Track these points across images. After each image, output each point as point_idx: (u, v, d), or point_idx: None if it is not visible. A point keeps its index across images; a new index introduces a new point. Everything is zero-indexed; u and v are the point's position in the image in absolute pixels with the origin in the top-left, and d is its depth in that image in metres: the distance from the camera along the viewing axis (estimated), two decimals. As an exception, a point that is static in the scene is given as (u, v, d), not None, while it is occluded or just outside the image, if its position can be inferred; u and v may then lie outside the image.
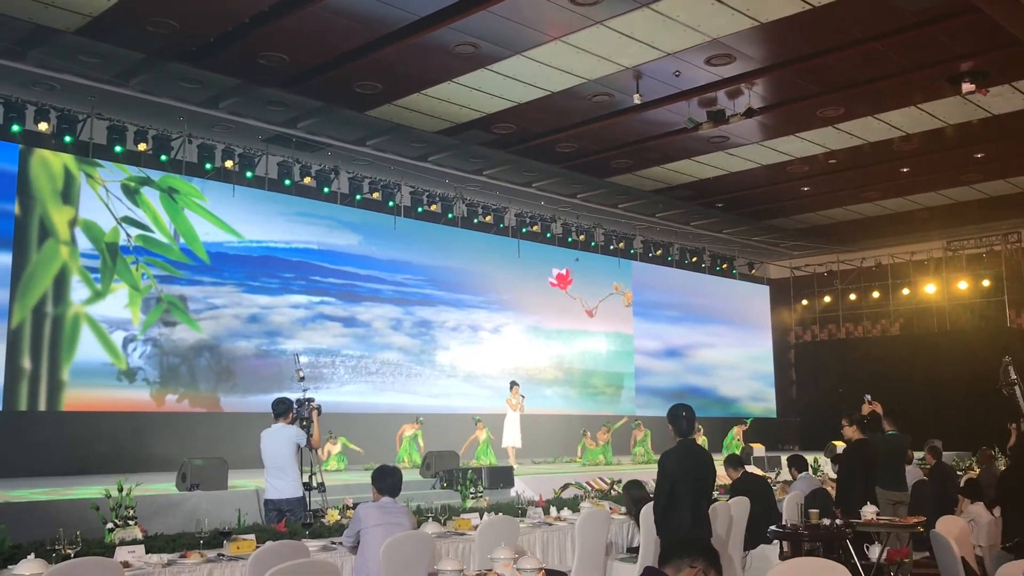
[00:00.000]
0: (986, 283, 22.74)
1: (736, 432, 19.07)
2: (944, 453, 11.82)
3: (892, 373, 21.54)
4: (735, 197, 19.53)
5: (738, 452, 17.21)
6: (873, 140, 15.83)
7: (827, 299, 25.59)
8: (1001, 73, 12.85)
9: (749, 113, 13.54)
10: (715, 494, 9.43)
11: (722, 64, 12.62)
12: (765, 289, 25.94)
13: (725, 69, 12.80)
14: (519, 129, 15.13)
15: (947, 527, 6.27)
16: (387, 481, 6.04)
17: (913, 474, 10.16)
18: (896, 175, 17.91)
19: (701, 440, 16.58)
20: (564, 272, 20.52)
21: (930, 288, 23.57)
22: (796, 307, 26.17)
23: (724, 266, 24.04)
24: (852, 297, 25.12)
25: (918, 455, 11.85)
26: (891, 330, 24.47)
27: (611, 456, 16.63)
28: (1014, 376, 14.78)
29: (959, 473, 12.56)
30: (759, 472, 12.95)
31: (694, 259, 23.04)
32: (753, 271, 25.40)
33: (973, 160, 16.96)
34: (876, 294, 24.66)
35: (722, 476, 10.44)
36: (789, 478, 9.96)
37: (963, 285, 23.03)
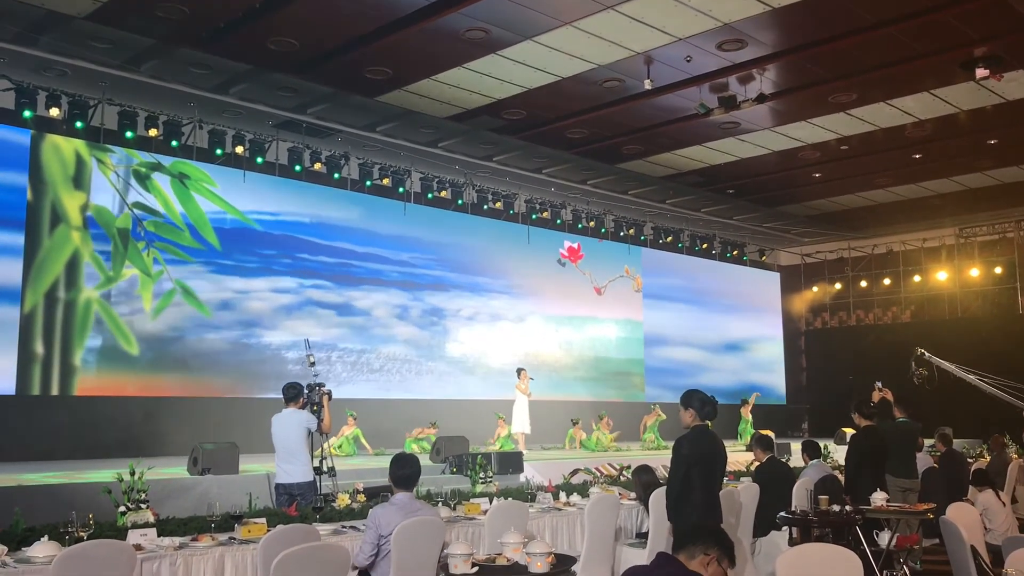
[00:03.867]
0: (998, 270, 22.64)
1: (745, 413, 19.19)
2: (955, 440, 11.80)
3: (903, 360, 21.45)
4: (746, 183, 19.45)
5: (749, 435, 17.31)
6: (885, 126, 15.72)
7: (838, 286, 25.52)
8: (1015, 58, 12.74)
9: (761, 99, 13.46)
10: (737, 477, 9.50)
11: (734, 49, 12.54)
12: (776, 276, 25.88)
13: (737, 54, 12.72)
14: (529, 115, 15.09)
15: (957, 514, 6.26)
16: (401, 472, 5.54)
17: (923, 461, 10.14)
18: (908, 161, 17.80)
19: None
20: (576, 246, 20.52)
21: (942, 275, 23.47)
22: (806, 294, 26.10)
23: (735, 253, 23.96)
24: (863, 284, 25.03)
25: (928, 442, 11.83)
26: (902, 317, 24.39)
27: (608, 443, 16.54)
28: (935, 365, 14.97)
29: (969, 460, 12.53)
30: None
31: (704, 246, 22.97)
32: (764, 258, 25.33)
33: (986, 146, 16.84)
34: (887, 281, 24.57)
35: (741, 461, 10.48)
36: (802, 464, 9.97)
37: (975, 272, 22.93)
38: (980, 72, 12.66)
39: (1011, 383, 17.45)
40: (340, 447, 13.79)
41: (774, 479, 8.27)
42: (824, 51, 12.58)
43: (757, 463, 8.94)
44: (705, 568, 3.73)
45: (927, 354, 17.25)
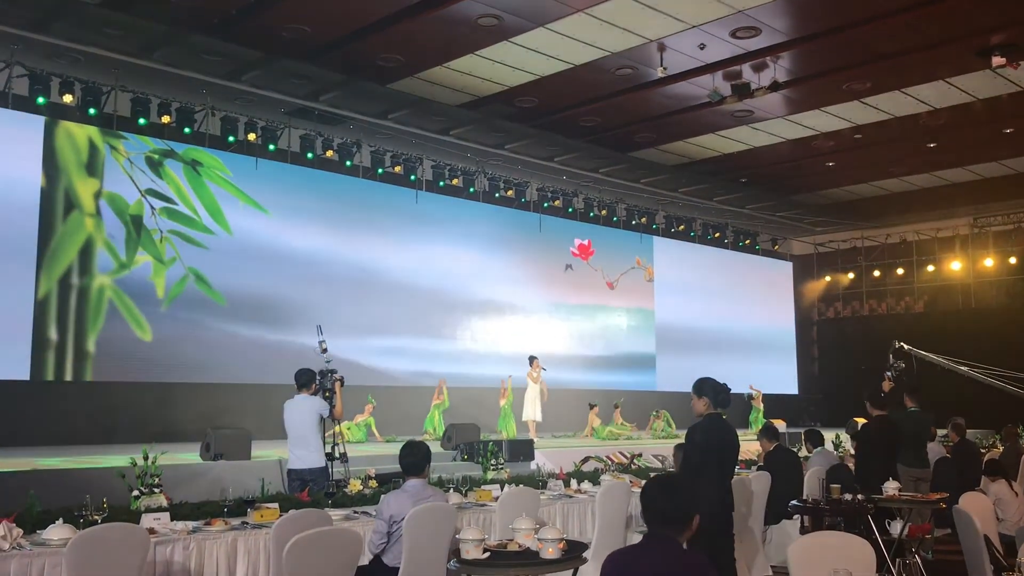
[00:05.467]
0: (1013, 260, 22.48)
1: (756, 403, 19.19)
2: (968, 431, 11.75)
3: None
4: (759, 172, 19.37)
5: (761, 424, 17.33)
6: (900, 115, 15.63)
7: (851, 276, 25.42)
8: (1033, 46, 12.64)
9: (774, 87, 13.38)
10: (748, 466, 9.50)
11: (748, 37, 12.47)
12: (788, 265, 25.79)
13: (751, 42, 12.65)
14: (542, 103, 15.05)
15: (970, 504, 6.22)
16: (409, 458, 5.50)
17: (936, 451, 10.11)
18: (923, 150, 17.69)
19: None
20: (586, 243, 20.48)
21: (955, 265, 23.34)
22: (819, 283, 26.00)
23: (747, 242, 23.88)
24: (876, 274, 24.92)
25: (941, 432, 11.79)
26: (915, 307, 24.26)
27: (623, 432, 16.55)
28: (914, 357, 14.98)
29: (982, 451, 12.47)
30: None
31: (717, 235, 22.90)
32: (776, 247, 25.23)
33: (1002, 135, 16.72)
34: (900, 271, 24.45)
35: (753, 450, 10.44)
36: (807, 454, 9.99)
37: (989, 262, 22.78)
38: (996, 60, 12.56)
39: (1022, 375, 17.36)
40: (348, 429, 13.85)
41: (782, 467, 8.26)
42: (839, 39, 12.50)
43: (765, 452, 8.94)
44: None
45: (906, 346, 17.21)
